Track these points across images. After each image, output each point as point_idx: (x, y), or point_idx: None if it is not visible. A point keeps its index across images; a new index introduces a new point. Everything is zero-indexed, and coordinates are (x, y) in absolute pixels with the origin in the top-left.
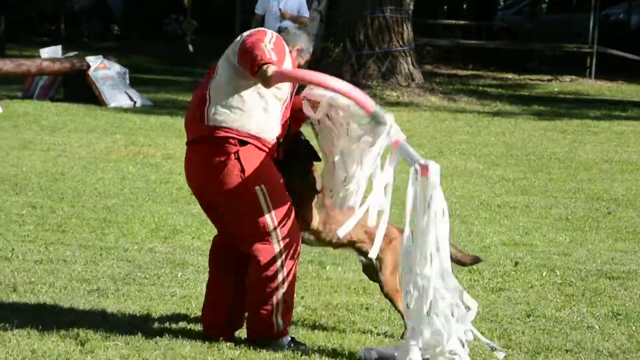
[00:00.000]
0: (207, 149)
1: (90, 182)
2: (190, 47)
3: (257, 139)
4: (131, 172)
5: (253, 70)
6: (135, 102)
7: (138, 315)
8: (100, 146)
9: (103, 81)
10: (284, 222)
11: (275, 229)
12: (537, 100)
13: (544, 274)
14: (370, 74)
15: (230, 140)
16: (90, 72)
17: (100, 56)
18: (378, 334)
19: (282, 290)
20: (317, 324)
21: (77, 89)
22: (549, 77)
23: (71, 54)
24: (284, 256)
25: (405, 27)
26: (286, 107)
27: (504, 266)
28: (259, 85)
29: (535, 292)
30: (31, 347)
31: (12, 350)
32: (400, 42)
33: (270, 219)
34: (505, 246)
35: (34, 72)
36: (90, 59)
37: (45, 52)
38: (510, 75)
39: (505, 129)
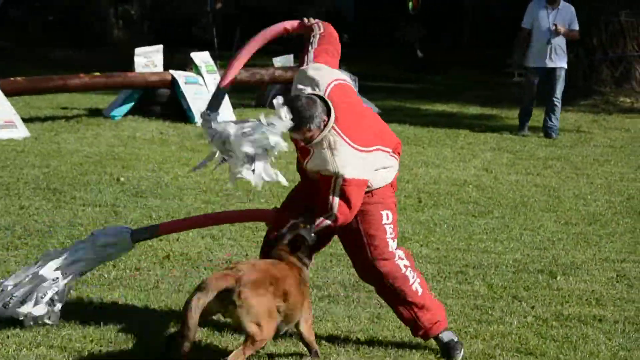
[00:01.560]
0: None
1: None
2: (419, 53)
3: None
4: None
5: None
6: None
7: (368, 321)
8: None
9: None
10: None
11: None
12: None
13: None
14: (602, 80)
15: None
16: None
17: None
18: (613, 346)
19: None
20: (548, 334)
21: None
22: None
23: None
24: None
25: None
26: None
27: None
28: None
29: None
30: (266, 349)
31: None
32: (636, 47)
33: None
34: None
35: (267, 81)
36: None
37: (278, 61)
38: None
39: None
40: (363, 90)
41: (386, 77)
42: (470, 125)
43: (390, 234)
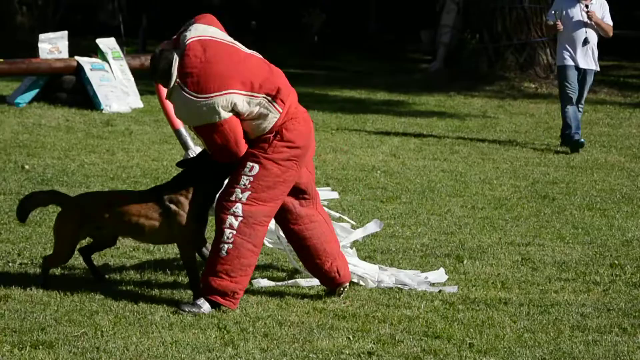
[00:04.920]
0: None
1: None
2: (315, 38)
3: None
4: None
5: None
6: None
7: (275, 310)
8: None
9: None
10: None
11: None
12: None
13: None
14: (507, 65)
15: None
16: None
17: None
18: (517, 329)
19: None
20: (454, 318)
21: None
22: None
23: None
24: None
25: (544, 18)
26: None
27: None
28: None
29: None
30: (173, 337)
31: (155, 340)
32: (539, 33)
33: None
34: None
35: None
36: None
37: None
38: None
39: None
40: None
41: (295, 63)
42: (378, 111)
43: (244, 185)
